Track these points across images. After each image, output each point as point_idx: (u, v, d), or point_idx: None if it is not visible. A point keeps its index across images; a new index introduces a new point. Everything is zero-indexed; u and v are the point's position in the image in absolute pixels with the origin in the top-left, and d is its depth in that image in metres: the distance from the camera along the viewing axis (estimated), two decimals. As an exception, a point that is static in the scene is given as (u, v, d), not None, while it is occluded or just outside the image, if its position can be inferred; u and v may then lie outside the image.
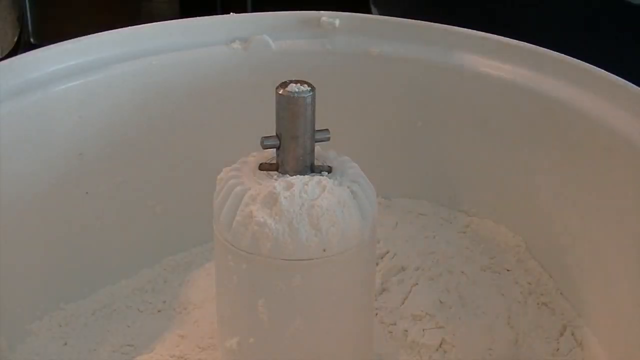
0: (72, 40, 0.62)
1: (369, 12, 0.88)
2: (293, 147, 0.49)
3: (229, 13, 0.67)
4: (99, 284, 0.62)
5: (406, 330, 0.58)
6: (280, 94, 0.48)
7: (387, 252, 0.64)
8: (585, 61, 0.60)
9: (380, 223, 0.64)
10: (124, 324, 0.60)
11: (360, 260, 0.49)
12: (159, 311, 0.61)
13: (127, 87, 0.62)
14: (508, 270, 0.63)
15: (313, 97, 0.48)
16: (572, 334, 0.58)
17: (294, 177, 0.48)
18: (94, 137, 0.61)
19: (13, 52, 0.89)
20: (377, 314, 0.59)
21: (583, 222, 0.59)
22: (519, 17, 0.79)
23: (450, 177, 0.68)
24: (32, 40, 0.96)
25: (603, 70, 0.59)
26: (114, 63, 0.62)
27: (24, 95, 0.58)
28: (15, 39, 0.90)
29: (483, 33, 0.65)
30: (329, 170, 0.50)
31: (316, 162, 0.50)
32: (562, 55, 0.62)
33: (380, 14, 0.85)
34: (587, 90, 0.59)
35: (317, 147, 0.50)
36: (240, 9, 1.03)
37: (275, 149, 0.49)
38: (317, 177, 0.48)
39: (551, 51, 0.62)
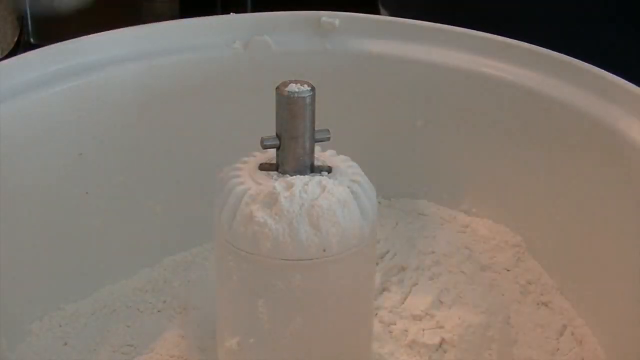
0: (72, 40, 0.62)
1: (370, 12, 0.88)
2: (293, 147, 0.49)
3: (229, 13, 0.67)
4: (99, 284, 0.62)
5: (406, 330, 0.58)
6: (280, 94, 0.48)
7: (387, 252, 0.64)
8: (585, 60, 0.60)
9: (380, 223, 0.64)
10: (124, 324, 0.60)
11: (360, 260, 0.49)
12: (159, 311, 0.61)
13: (127, 87, 0.62)
14: (508, 270, 0.63)
15: (313, 97, 0.48)
16: (572, 334, 0.58)
17: (294, 177, 0.48)
18: (94, 137, 0.61)
19: (13, 52, 0.89)
20: (377, 314, 0.59)
21: (583, 222, 0.59)
22: (519, 17, 0.79)
23: (450, 177, 0.68)
24: (32, 40, 0.96)
25: (603, 70, 0.59)
26: (114, 63, 0.62)
27: (24, 95, 0.58)
28: (15, 39, 0.90)
29: (483, 33, 0.65)
30: (329, 170, 0.50)
31: (316, 162, 0.50)
32: (562, 55, 0.62)
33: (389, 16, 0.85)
34: (587, 90, 0.59)
35: (317, 147, 0.50)
36: (240, 9, 1.03)
37: (275, 149, 0.49)
38: (317, 177, 0.48)
39: (551, 51, 0.62)
